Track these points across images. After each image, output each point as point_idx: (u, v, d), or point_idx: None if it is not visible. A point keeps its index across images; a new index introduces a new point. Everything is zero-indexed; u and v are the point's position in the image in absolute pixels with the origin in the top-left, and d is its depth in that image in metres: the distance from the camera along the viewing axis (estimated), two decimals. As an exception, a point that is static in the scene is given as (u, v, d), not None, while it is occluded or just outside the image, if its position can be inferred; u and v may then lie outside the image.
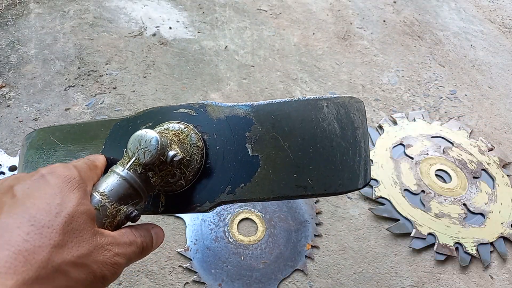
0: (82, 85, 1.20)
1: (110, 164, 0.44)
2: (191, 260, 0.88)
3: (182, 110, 0.48)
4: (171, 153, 0.41)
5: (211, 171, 0.46)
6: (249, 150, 0.45)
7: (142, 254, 0.39)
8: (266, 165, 0.45)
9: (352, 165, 0.43)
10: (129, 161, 0.40)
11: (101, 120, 0.51)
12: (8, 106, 1.12)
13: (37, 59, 1.25)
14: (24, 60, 1.24)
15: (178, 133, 0.45)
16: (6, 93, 1.15)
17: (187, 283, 0.86)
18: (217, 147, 0.46)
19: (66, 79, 1.21)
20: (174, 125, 0.46)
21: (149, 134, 0.40)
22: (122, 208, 0.39)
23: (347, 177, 0.43)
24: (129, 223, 0.40)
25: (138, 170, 0.40)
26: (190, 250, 0.90)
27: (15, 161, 0.98)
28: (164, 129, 0.46)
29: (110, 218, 0.37)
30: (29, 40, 1.30)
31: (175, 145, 0.43)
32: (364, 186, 0.44)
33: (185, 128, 0.46)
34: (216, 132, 0.47)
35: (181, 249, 0.90)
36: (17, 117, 1.10)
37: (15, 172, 0.96)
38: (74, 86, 1.20)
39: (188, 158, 0.44)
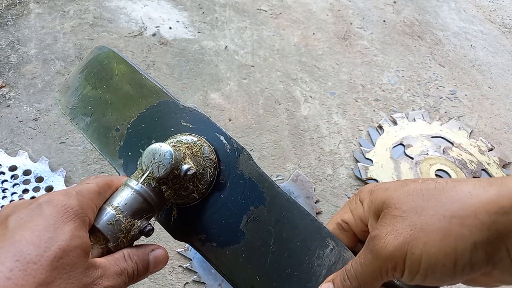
0: (82, 85, 1.20)
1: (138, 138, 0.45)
2: (191, 260, 0.88)
3: (222, 138, 0.47)
4: (184, 167, 0.41)
5: (223, 185, 0.46)
6: (242, 222, 0.44)
7: (132, 281, 0.38)
8: (244, 248, 0.44)
9: None
10: (143, 175, 0.40)
11: (158, 87, 0.50)
12: (8, 106, 1.12)
13: (37, 59, 1.25)
14: (24, 60, 1.24)
15: (191, 146, 0.45)
16: (6, 93, 1.15)
17: (187, 283, 0.86)
18: (221, 196, 0.46)
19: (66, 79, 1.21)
20: (187, 138, 0.46)
21: (163, 148, 0.40)
22: (136, 222, 0.38)
23: None
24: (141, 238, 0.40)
25: (152, 184, 0.40)
26: (190, 250, 0.90)
27: (15, 161, 0.98)
28: (177, 141, 0.45)
29: (124, 233, 0.37)
30: (29, 40, 1.30)
31: (188, 158, 0.43)
32: None
33: (198, 140, 0.46)
34: (230, 182, 0.46)
35: (181, 249, 0.90)
36: (17, 117, 1.10)
37: (15, 172, 0.96)
38: (74, 86, 1.20)
39: (201, 171, 0.44)
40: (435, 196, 0.33)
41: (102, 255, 0.36)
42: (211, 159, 0.45)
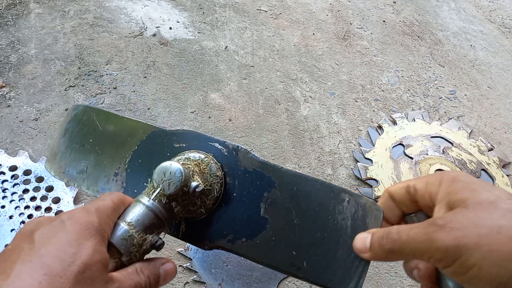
0: (82, 85, 1.20)
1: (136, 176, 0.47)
2: (191, 259, 0.89)
3: (216, 145, 0.50)
4: (193, 184, 0.43)
5: (229, 200, 0.48)
6: (261, 210, 0.47)
7: None
8: (272, 231, 0.46)
9: (349, 267, 0.43)
10: (154, 191, 0.42)
11: (142, 122, 0.52)
12: (8, 106, 1.12)
13: (37, 59, 1.25)
14: (24, 60, 1.24)
15: (199, 163, 0.47)
16: (6, 93, 1.15)
17: (187, 282, 0.86)
18: (234, 194, 0.48)
19: (66, 79, 1.21)
20: (195, 155, 0.48)
21: (173, 166, 0.42)
22: (148, 237, 0.40)
23: (340, 276, 0.43)
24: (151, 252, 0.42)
25: (162, 200, 0.42)
26: (190, 250, 0.90)
27: (15, 161, 0.98)
28: (185, 158, 0.47)
29: (136, 247, 0.39)
30: (29, 40, 1.30)
31: (196, 175, 0.45)
32: None
33: (205, 157, 0.48)
34: (238, 179, 0.48)
35: (181, 249, 0.90)
36: (17, 117, 1.10)
37: (15, 172, 0.96)
38: (74, 86, 1.20)
39: (208, 187, 0.46)
40: None
41: (116, 268, 0.38)
42: (217, 175, 0.47)
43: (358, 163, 1.13)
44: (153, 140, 0.51)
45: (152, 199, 0.41)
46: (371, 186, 1.08)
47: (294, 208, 0.46)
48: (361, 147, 1.17)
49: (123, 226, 0.39)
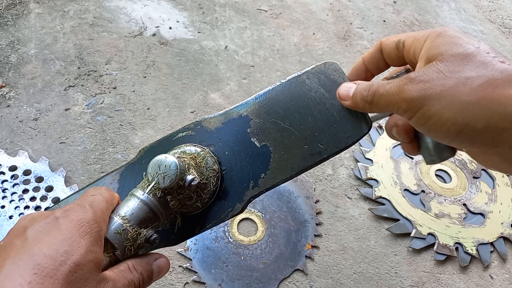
0: (82, 85, 1.20)
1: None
2: (191, 260, 0.89)
3: (180, 135, 0.50)
4: (189, 177, 0.43)
5: (226, 192, 0.48)
6: (256, 143, 0.48)
7: None
8: (277, 148, 0.48)
9: (351, 117, 0.47)
10: (149, 185, 0.41)
11: (110, 174, 0.52)
12: (8, 106, 1.12)
13: (37, 59, 1.25)
14: (24, 60, 1.24)
15: (195, 156, 0.47)
16: (6, 93, 1.15)
17: (187, 283, 0.86)
18: (226, 152, 0.48)
19: (66, 79, 1.21)
20: (191, 148, 0.48)
21: (168, 159, 0.41)
22: (142, 231, 0.39)
23: (351, 128, 0.47)
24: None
25: (157, 194, 0.41)
26: (190, 250, 0.90)
27: (15, 161, 0.98)
28: (181, 152, 0.47)
29: (131, 242, 0.38)
30: (29, 40, 1.30)
31: (192, 169, 0.44)
32: (369, 130, 0.47)
33: (201, 151, 0.48)
34: (219, 140, 0.49)
35: (181, 249, 0.90)
36: (17, 117, 1.10)
37: (15, 172, 0.96)
38: (74, 86, 1.20)
39: (204, 181, 0.46)
40: (485, 74, 0.33)
41: (109, 263, 0.37)
42: (214, 169, 0.47)
43: (358, 163, 1.13)
44: (127, 178, 0.52)
45: (147, 193, 0.40)
46: (371, 186, 1.08)
47: (277, 118, 0.48)
48: (361, 147, 1.17)
49: (117, 220, 0.38)
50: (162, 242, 0.48)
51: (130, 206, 0.40)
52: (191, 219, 0.48)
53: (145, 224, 0.40)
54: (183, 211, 0.47)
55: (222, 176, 0.48)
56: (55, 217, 0.34)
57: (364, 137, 0.52)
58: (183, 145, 0.49)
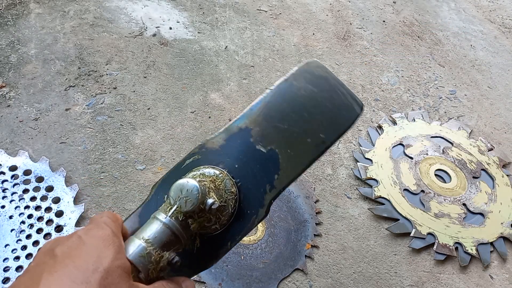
0: (82, 85, 1.20)
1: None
2: (191, 259, 0.89)
3: (187, 161, 0.51)
4: (209, 201, 0.43)
5: (243, 215, 0.49)
6: (261, 149, 0.50)
7: None
8: (283, 149, 0.50)
9: (343, 102, 0.51)
10: (171, 208, 0.42)
11: (128, 219, 0.52)
12: (8, 106, 1.12)
13: (37, 59, 1.25)
14: (24, 60, 1.24)
15: (214, 179, 0.48)
16: (6, 93, 1.15)
17: (187, 282, 0.86)
18: (236, 166, 0.50)
19: (66, 79, 1.21)
20: (210, 171, 0.49)
21: (190, 183, 0.42)
22: (165, 254, 0.40)
23: (345, 112, 0.51)
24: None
25: (179, 217, 0.42)
26: (190, 250, 0.90)
27: (15, 161, 0.98)
28: (200, 174, 0.48)
29: (154, 265, 0.39)
30: (29, 40, 1.30)
31: (212, 192, 0.45)
32: (362, 110, 0.52)
33: (220, 173, 0.49)
34: (227, 156, 0.51)
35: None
36: (17, 117, 1.10)
37: (15, 172, 0.96)
38: (74, 86, 1.20)
39: (223, 204, 0.47)
40: None
41: None
42: (232, 191, 0.48)
43: (358, 163, 1.13)
44: (147, 216, 0.51)
45: (169, 216, 0.41)
46: (371, 186, 1.08)
47: (275, 122, 0.51)
48: (361, 147, 1.17)
49: (140, 244, 0.39)
50: (189, 270, 0.49)
51: (153, 229, 0.40)
52: (210, 240, 0.48)
53: (167, 247, 0.40)
54: (202, 232, 0.47)
55: (240, 198, 0.49)
56: (78, 236, 0.37)
57: (358, 118, 0.55)
58: (201, 167, 0.50)
